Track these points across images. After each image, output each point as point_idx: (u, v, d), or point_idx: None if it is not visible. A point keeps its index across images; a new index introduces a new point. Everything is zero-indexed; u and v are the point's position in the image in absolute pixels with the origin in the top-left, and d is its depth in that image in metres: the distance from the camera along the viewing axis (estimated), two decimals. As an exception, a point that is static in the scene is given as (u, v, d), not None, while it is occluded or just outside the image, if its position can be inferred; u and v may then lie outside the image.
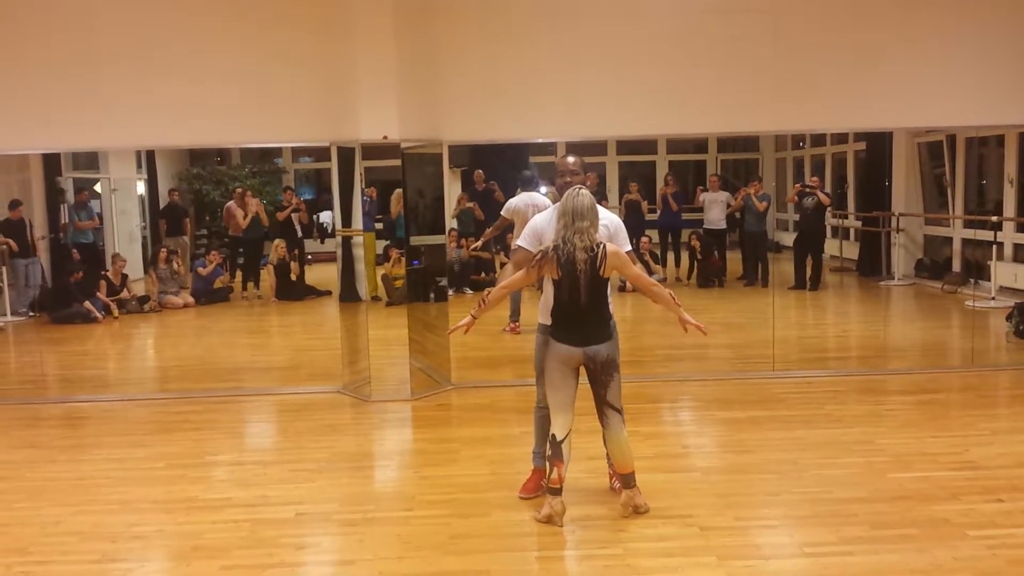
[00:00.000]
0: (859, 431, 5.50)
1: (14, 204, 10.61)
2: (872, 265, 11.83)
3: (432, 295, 7.19)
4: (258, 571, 3.78)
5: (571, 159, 4.41)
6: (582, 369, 4.16)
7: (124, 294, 11.09)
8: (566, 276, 4.01)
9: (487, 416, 6.14)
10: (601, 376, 4.12)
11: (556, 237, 4.04)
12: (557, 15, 6.74)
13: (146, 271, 12.29)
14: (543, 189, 8.21)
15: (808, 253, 11.28)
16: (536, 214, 4.57)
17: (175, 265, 11.59)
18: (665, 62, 6.81)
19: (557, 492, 4.11)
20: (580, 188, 4.08)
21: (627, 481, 4.20)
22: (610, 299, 4.22)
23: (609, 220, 4.29)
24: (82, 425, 6.33)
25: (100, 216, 12.17)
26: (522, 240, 4.37)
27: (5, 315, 10.40)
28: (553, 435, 4.11)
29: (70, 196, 11.75)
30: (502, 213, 8.06)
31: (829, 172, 12.93)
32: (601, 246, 4.01)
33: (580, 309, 4.04)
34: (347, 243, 6.99)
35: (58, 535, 4.21)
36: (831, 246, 12.38)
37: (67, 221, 11.67)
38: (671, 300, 4.19)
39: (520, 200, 7.85)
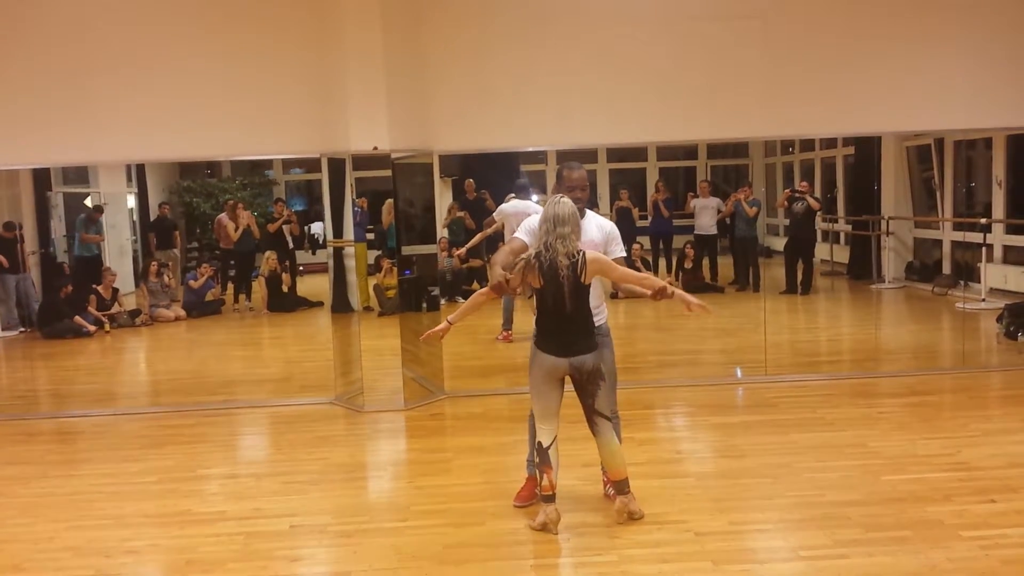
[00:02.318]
0: (852, 434, 5.51)
1: (9, 226, 10.58)
2: (863, 268, 11.88)
3: (424, 305, 7.19)
4: (253, 584, 3.78)
5: (577, 173, 4.28)
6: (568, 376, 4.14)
7: (115, 308, 11.06)
8: (549, 283, 3.99)
9: (481, 425, 6.14)
10: (588, 386, 4.11)
11: (538, 244, 4.04)
12: (547, 24, 6.77)
13: (137, 285, 12.26)
14: (535, 197, 8.25)
15: (799, 257, 11.31)
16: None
17: (166, 278, 11.56)
18: (655, 69, 6.83)
19: (551, 499, 4.11)
20: (561, 196, 4.06)
21: (621, 487, 4.20)
22: (604, 306, 4.21)
23: (604, 224, 4.30)
24: (74, 440, 6.30)
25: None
26: (520, 232, 4.29)
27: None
28: (539, 442, 4.11)
29: (61, 211, 11.69)
30: (494, 216, 8.13)
31: (818, 177, 12.97)
32: (581, 253, 4.00)
33: (565, 317, 4.02)
34: (338, 254, 6.99)
35: (52, 551, 4.19)
36: (821, 250, 12.41)
37: (66, 234, 11.61)
38: (665, 285, 4.05)
39: (511, 206, 7.89)
